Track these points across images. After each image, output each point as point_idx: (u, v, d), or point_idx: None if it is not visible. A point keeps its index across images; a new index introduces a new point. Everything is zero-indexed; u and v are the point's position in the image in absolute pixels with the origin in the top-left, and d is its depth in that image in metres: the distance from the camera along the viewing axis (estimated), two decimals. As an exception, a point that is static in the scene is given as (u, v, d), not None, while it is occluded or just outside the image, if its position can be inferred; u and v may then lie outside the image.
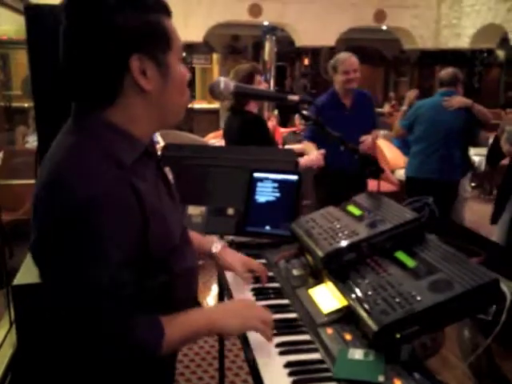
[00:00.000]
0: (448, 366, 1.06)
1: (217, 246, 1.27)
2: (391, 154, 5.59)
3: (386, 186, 5.03)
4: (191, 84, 9.14)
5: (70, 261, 0.79)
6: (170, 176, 1.02)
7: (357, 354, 0.92)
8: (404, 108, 3.78)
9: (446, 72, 3.54)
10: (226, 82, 1.11)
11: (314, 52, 9.88)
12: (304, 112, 1.17)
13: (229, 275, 1.33)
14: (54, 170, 0.82)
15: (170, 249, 0.89)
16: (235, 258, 1.28)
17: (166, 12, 0.85)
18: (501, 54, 10.22)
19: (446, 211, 3.55)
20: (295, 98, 1.12)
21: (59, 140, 0.86)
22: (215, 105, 10.34)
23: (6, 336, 2.11)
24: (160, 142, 5.33)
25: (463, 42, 9.30)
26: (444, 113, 3.33)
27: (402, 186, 5.08)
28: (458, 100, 3.34)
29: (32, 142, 4.67)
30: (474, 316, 0.96)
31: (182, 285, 0.93)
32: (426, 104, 3.55)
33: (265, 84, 2.78)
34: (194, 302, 0.97)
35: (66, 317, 0.84)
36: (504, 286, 0.92)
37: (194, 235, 1.19)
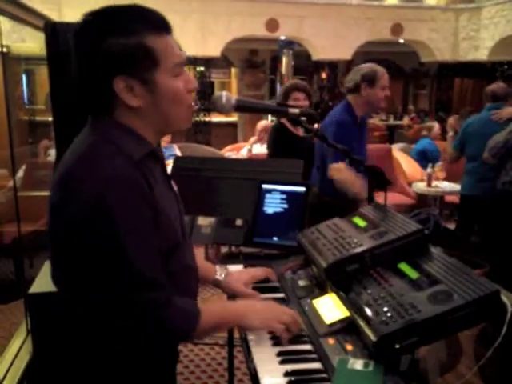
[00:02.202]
0: (463, 381, 1.05)
1: (221, 273, 1.28)
2: (409, 167, 5.55)
3: (402, 199, 4.99)
4: (202, 92, 9.20)
5: (104, 248, 0.83)
6: (175, 187, 1.05)
7: (356, 364, 0.92)
8: (450, 134, 3.74)
9: (498, 86, 3.46)
10: (228, 96, 1.14)
11: (331, 65, 9.93)
12: (306, 124, 1.19)
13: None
14: (70, 165, 0.88)
15: (173, 245, 0.94)
16: (238, 281, 1.27)
17: (155, 29, 0.88)
18: (522, 65, 10.07)
19: (495, 230, 3.32)
20: (296, 111, 1.14)
21: (73, 143, 0.94)
22: (233, 118, 10.46)
23: (22, 344, 2.16)
24: (178, 154, 5.42)
25: (482, 55, 9.21)
26: (493, 126, 3.20)
27: (419, 198, 5.03)
28: (507, 111, 3.24)
29: (54, 155, 4.80)
30: (474, 327, 0.95)
31: (181, 284, 0.97)
32: (475, 121, 3.48)
33: (305, 101, 2.70)
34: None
35: (96, 313, 0.88)
36: (505, 298, 0.92)
37: (199, 259, 1.25)
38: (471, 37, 9.38)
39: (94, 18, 0.88)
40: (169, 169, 1.92)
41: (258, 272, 1.33)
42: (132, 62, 0.87)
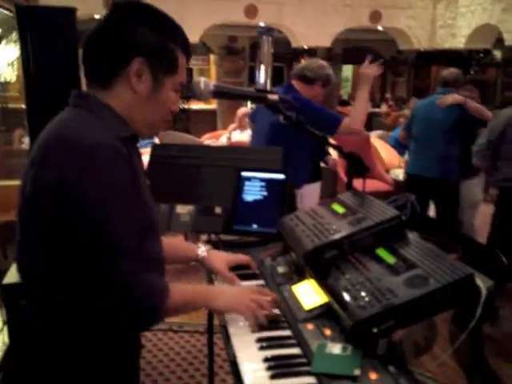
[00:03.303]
0: (439, 362, 1.07)
1: (203, 250, 1.32)
2: (386, 154, 5.61)
3: (380, 186, 5.05)
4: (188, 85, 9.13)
5: (91, 209, 0.86)
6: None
7: (335, 348, 0.93)
8: (406, 112, 3.85)
9: (450, 72, 3.52)
10: (206, 82, 1.13)
11: (311, 52, 9.90)
12: (286, 111, 1.19)
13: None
14: (55, 132, 0.92)
15: (147, 227, 0.96)
16: (220, 259, 1.31)
17: (185, 50, 1.02)
18: (497, 54, 10.24)
19: (447, 211, 3.51)
20: (275, 97, 1.13)
21: (55, 118, 0.97)
22: (212, 105, 10.36)
23: (-3, 335, 2.12)
24: (156, 142, 5.35)
25: (459, 43, 9.32)
26: (438, 111, 3.34)
27: (397, 185, 5.10)
28: (453, 97, 3.32)
29: (28, 143, 4.68)
30: (450, 310, 0.97)
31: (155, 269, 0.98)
32: (423, 104, 3.59)
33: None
34: None
35: (73, 295, 0.89)
36: (479, 281, 0.94)
37: (179, 241, 1.27)
38: (448, 25, 9.46)
39: (147, 7, 0.98)
40: (147, 157, 1.90)
41: (240, 256, 1.36)
42: (159, 56, 0.97)
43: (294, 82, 2.55)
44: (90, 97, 0.98)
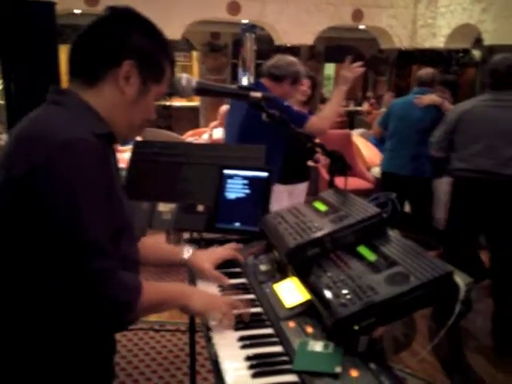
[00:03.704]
0: (418, 358, 1.08)
1: (188, 251, 1.32)
2: (368, 152, 5.66)
3: (361, 183, 5.10)
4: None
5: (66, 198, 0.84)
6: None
7: (316, 346, 0.94)
8: (382, 110, 3.90)
9: (426, 72, 3.60)
10: (188, 79, 1.11)
11: (294, 50, 9.92)
12: (269, 110, 1.18)
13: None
14: (29, 127, 0.91)
15: (121, 226, 0.95)
16: (206, 259, 1.31)
17: (171, 64, 1.06)
18: (476, 53, 10.42)
19: (421, 208, 3.63)
20: (258, 94, 1.13)
21: (30, 114, 0.96)
22: (195, 102, 10.30)
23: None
24: (138, 139, 5.29)
25: (439, 42, 9.45)
26: (414, 110, 3.40)
27: (377, 183, 5.16)
28: (429, 98, 3.40)
29: (6, 139, 4.58)
30: (429, 307, 0.99)
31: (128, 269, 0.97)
32: (400, 102, 3.65)
33: (308, 89, 2.71)
34: None
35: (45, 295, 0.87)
36: (458, 278, 0.95)
37: (161, 244, 1.27)
38: (429, 24, 9.59)
39: (142, 17, 1.01)
40: (128, 154, 1.87)
41: (225, 252, 1.36)
42: (149, 63, 1.00)
43: (263, 80, 2.53)
44: (70, 93, 0.97)
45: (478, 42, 9.06)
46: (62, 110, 0.94)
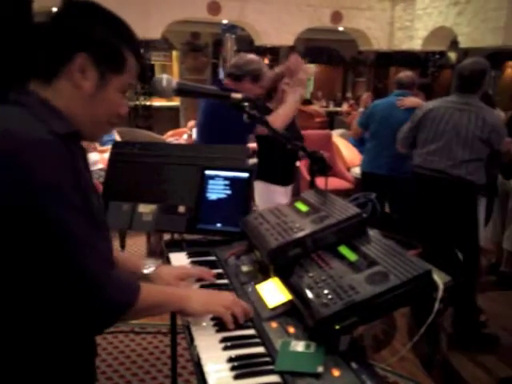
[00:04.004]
0: (399, 356, 1.10)
1: (149, 267, 1.24)
2: (348, 152, 5.72)
3: (341, 183, 5.15)
4: (150, 81, 8.99)
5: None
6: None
7: (298, 346, 0.94)
8: (360, 109, 3.92)
9: (406, 75, 3.67)
10: (169, 79, 1.11)
11: (273, 51, 9.96)
12: (249, 111, 1.18)
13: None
14: None
15: (98, 228, 0.92)
16: (171, 274, 1.23)
17: (135, 52, 0.99)
18: (452, 56, 10.64)
19: (400, 208, 3.69)
20: (238, 96, 1.13)
21: None
22: (175, 102, 10.22)
23: None
24: (117, 139, 5.22)
25: (416, 44, 9.61)
26: (396, 112, 3.46)
27: (357, 183, 5.22)
28: (411, 100, 3.48)
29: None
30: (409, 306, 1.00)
31: None
32: (381, 103, 3.69)
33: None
34: None
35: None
36: (436, 277, 0.97)
37: (125, 257, 1.24)
38: (406, 27, 9.74)
39: (99, 7, 0.96)
40: (107, 154, 1.84)
41: (192, 270, 1.31)
42: (105, 53, 0.94)
43: (226, 80, 2.55)
44: (31, 94, 0.93)
45: (453, 44, 9.26)
46: (22, 110, 0.90)
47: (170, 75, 1.22)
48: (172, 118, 10.16)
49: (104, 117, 0.99)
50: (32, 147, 0.82)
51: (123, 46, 0.97)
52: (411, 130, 2.91)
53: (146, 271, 1.22)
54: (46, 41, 0.93)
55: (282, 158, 2.67)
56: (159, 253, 3.52)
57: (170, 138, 6.02)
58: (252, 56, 2.56)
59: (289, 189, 2.96)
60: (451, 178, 2.65)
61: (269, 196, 2.78)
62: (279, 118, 2.33)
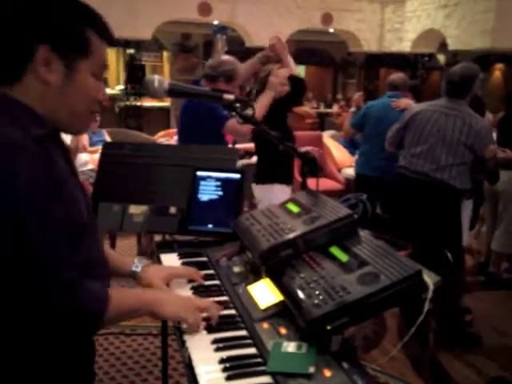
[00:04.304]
0: (389, 356, 1.10)
1: (137, 265, 1.22)
2: (338, 154, 5.75)
3: (332, 184, 5.17)
4: (140, 81, 8.95)
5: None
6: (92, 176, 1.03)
7: (290, 346, 0.94)
8: (352, 109, 3.91)
9: (398, 76, 3.71)
10: (160, 80, 1.10)
11: (265, 52, 9.95)
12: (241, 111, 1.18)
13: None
14: None
15: (78, 226, 0.90)
16: (157, 275, 1.21)
17: (100, 32, 0.93)
18: (441, 58, 10.75)
19: (394, 209, 3.69)
20: (231, 97, 1.13)
21: None
22: (166, 103, 10.19)
23: None
24: (108, 139, 5.19)
25: (405, 46, 9.69)
26: (391, 113, 3.46)
27: (348, 184, 5.24)
28: (405, 102, 3.50)
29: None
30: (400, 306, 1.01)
31: (90, 275, 0.93)
32: (375, 104, 3.70)
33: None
34: None
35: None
36: (426, 277, 0.98)
37: (112, 254, 1.20)
38: (396, 29, 9.82)
39: None
40: (98, 155, 1.84)
41: (180, 270, 1.30)
42: (65, 40, 0.88)
43: (202, 81, 2.59)
44: (3, 97, 0.87)
45: (442, 46, 9.35)
46: None
47: (160, 76, 1.22)
48: (162, 119, 10.13)
49: (82, 106, 0.93)
50: (4, 155, 0.78)
51: (84, 27, 0.90)
52: (398, 131, 2.94)
53: (134, 269, 1.22)
54: (1, 39, 0.86)
55: (283, 156, 2.67)
56: (150, 254, 3.51)
57: (161, 138, 6.00)
58: (227, 57, 2.62)
59: (290, 188, 2.97)
60: (434, 181, 2.67)
61: (276, 196, 2.77)
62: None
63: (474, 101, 3.00)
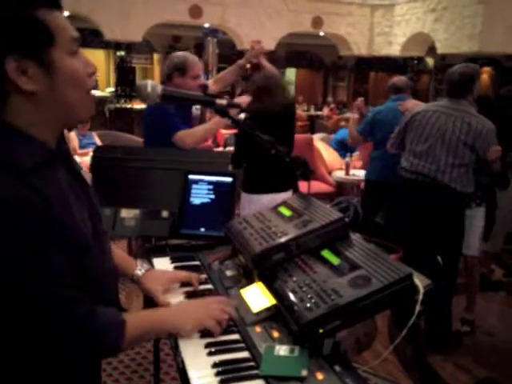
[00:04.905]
0: (378, 358, 1.11)
1: (140, 269, 1.22)
2: (329, 156, 5.78)
3: (323, 187, 5.20)
4: (131, 84, 8.93)
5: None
6: (88, 178, 0.99)
7: (282, 350, 0.95)
8: (355, 116, 3.79)
9: (399, 79, 3.68)
10: (153, 85, 1.11)
11: (255, 55, 9.98)
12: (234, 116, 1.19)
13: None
14: None
15: (81, 250, 0.87)
16: (156, 280, 1.20)
17: (45, 3, 0.79)
18: (430, 61, 10.86)
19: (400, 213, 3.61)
20: (223, 102, 1.14)
21: None
22: (156, 106, 10.17)
23: None
24: (98, 143, 5.17)
25: (395, 50, 9.79)
26: (399, 117, 3.32)
27: (338, 186, 5.27)
28: (413, 102, 3.42)
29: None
30: (391, 308, 1.02)
31: (98, 288, 0.91)
32: (383, 110, 3.64)
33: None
34: (118, 308, 0.96)
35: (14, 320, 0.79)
36: (417, 280, 0.99)
37: (117, 253, 1.16)
38: (385, 32, 9.91)
39: None
40: (88, 158, 1.82)
41: (181, 274, 1.29)
42: (24, 38, 0.77)
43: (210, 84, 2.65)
44: None
45: (431, 50, 9.45)
46: None
47: (151, 78, 1.22)
48: (153, 121, 10.08)
49: (77, 92, 0.84)
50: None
51: (33, 10, 0.78)
52: (399, 132, 2.90)
53: (137, 272, 1.21)
54: None
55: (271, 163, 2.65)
56: (140, 257, 3.47)
57: (152, 141, 5.96)
58: (177, 52, 2.60)
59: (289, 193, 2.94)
60: (435, 183, 2.64)
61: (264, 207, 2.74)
62: (193, 136, 2.33)
63: (484, 101, 2.96)
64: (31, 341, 0.80)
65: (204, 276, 1.34)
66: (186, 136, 2.30)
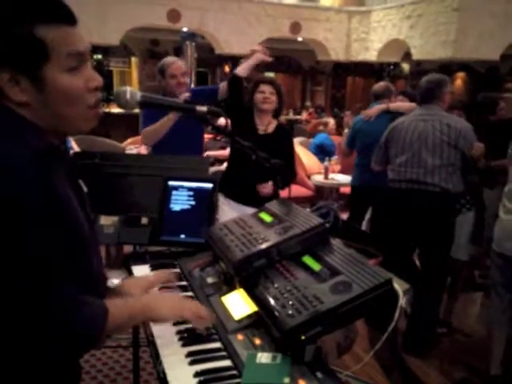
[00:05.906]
0: (359, 361, 1.12)
1: (112, 281, 1.20)
2: (308, 160, 5.81)
3: (302, 191, 5.22)
4: (108, 88, 8.83)
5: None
6: (84, 187, 0.99)
7: (264, 358, 0.95)
8: (346, 131, 3.83)
9: (379, 85, 3.72)
10: (132, 92, 1.09)
11: (234, 59, 10.01)
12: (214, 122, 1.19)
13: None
14: None
15: (78, 245, 0.87)
16: (138, 286, 1.18)
17: (47, 18, 0.80)
18: (406, 67, 11.08)
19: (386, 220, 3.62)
20: (203, 108, 1.13)
21: None
22: (134, 109, 10.08)
23: None
24: (74, 148, 5.07)
25: (371, 56, 9.94)
26: (374, 124, 3.45)
27: (317, 190, 5.31)
28: (374, 109, 3.50)
29: None
30: (371, 313, 1.03)
31: (89, 289, 0.90)
32: (360, 119, 3.68)
33: (272, 95, 2.63)
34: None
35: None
36: (396, 285, 1.00)
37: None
38: (362, 38, 10.07)
39: None
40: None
41: (157, 277, 1.27)
42: (17, 53, 0.78)
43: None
44: None
45: (407, 56, 9.64)
46: None
47: (129, 82, 1.21)
48: (131, 125, 9.98)
49: (72, 109, 0.84)
50: (4, 181, 0.74)
51: (35, 26, 0.78)
52: (380, 148, 2.93)
53: (110, 285, 1.19)
54: None
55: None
56: (119, 266, 3.42)
57: (130, 145, 5.91)
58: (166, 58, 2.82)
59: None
60: (425, 186, 2.65)
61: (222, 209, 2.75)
62: (146, 133, 2.52)
63: (489, 101, 2.99)
64: (11, 324, 0.79)
65: (184, 283, 1.33)
66: (143, 134, 2.53)
